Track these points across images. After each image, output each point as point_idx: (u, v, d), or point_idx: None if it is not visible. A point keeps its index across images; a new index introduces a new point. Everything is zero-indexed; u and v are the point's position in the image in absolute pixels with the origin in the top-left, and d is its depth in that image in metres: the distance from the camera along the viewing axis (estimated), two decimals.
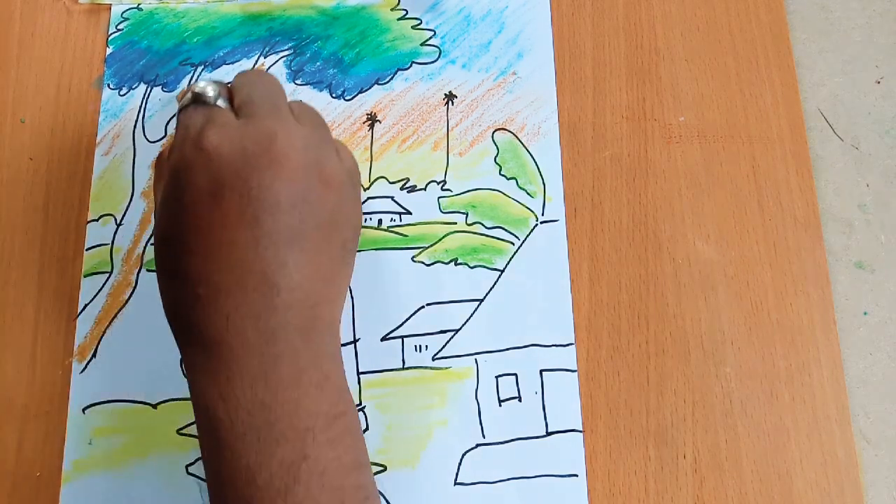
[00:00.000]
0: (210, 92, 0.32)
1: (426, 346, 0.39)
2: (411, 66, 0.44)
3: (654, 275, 0.40)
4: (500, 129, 0.43)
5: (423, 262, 0.40)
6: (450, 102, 0.43)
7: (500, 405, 0.38)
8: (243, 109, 0.32)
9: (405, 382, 0.38)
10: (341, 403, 0.30)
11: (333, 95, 0.43)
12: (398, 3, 0.45)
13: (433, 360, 0.39)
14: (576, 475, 0.37)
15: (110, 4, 0.45)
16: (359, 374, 0.38)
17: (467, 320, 0.39)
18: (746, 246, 0.41)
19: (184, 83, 0.43)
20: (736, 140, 0.43)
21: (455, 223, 0.41)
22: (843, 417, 0.38)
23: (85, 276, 0.40)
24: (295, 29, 0.45)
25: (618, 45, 0.44)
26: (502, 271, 0.40)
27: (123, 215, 0.41)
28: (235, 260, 0.29)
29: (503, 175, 0.42)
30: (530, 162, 0.42)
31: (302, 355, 0.29)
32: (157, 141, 0.42)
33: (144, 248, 0.40)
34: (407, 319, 0.39)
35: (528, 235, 0.41)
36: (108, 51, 0.44)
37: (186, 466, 0.37)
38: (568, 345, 0.39)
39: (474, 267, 0.40)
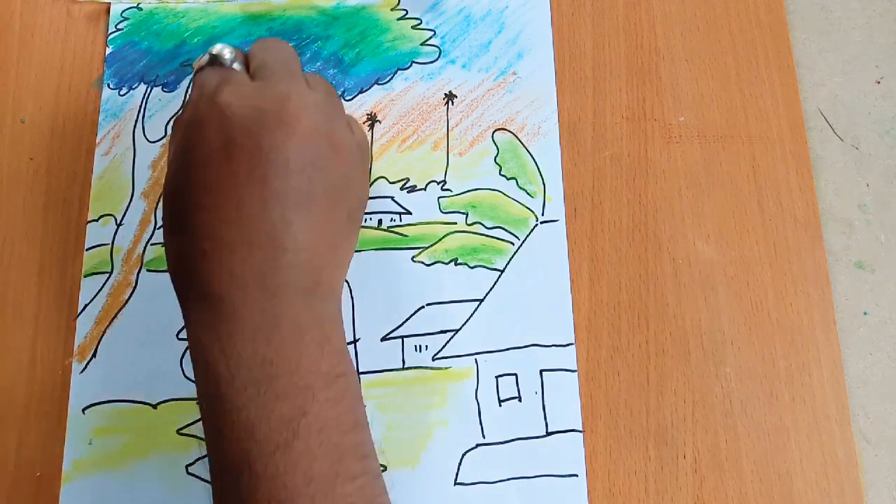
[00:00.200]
0: (227, 54, 0.32)
1: (426, 346, 0.39)
2: (411, 65, 0.44)
3: (654, 275, 0.40)
4: (500, 129, 0.43)
5: (423, 262, 0.40)
6: (450, 102, 0.43)
7: (500, 405, 0.38)
8: (258, 73, 0.32)
9: (405, 382, 0.38)
10: (341, 365, 0.30)
11: None
12: (398, 3, 0.45)
13: (433, 360, 0.39)
14: (576, 475, 0.37)
15: (110, 4, 0.45)
16: (359, 373, 0.38)
17: (467, 320, 0.39)
18: (746, 246, 0.41)
19: (184, 84, 0.43)
20: (736, 140, 0.43)
21: (455, 223, 0.41)
22: (843, 417, 0.38)
23: (85, 276, 0.40)
24: (295, 29, 0.45)
25: (618, 45, 0.44)
26: (502, 271, 0.40)
27: (123, 215, 0.41)
28: (243, 217, 0.29)
29: (503, 175, 0.42)
30: (530, 162, 0.42)
31: (304, 315, 0.30)
32: (157, 141, 0.42)
33: (144, 248, 0.40)
34: (407, 319, 0.39)
35: (528, 235, 0.41)
36: (108, 51, 0.44)
37: (186, 466, 0.37)
38: (568, 345, 0.39)
39: (474, 267, 0.40)
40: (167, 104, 0.43)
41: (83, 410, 0.38)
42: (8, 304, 0.40)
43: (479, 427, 0.38)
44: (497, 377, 0.39)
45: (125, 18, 0.45)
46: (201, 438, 0.37)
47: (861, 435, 0.39)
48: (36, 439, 0.38)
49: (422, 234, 0.41)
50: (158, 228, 0.41)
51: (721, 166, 0.42)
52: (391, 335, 0.39)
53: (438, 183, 0.42)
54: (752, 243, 0.41)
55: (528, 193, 0.42)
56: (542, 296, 0.40)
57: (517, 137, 0.43)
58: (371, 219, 0.41)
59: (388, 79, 0.44)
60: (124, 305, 0.39)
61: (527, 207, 0.41)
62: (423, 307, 0.39)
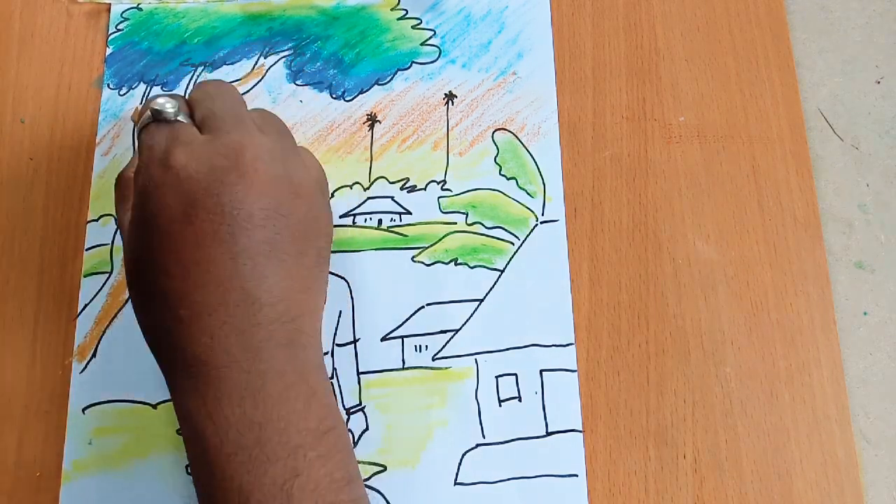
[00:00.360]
0: (169, 108, 0.31)
1: (426, 346, 0.39)
2: (411, 66, 0.44)
3: (654, 275, 0.40)
4: (500, 129, 0.43)
5: (423, 262, 0.40)
6: (450, 102, 0.43)
7: (500, 405, 0.38)
8: (206, 123, 0.32)
9: (405, 382, 0.38)
10: (329, 418, 0.30)
11: (333, 96, 0.43)
12: (398, 3, 0.45)
13: (433, 360, 0.39)
14: (576, 475, 0.37)
15: (110, 4, 0.45)
16: (359, 374, 0.38)
17: (467, 320, 0.39)
18: (746, 246, 0.41)
19: (183, 83, 0.43)
20: (736, 140, 0.43)
21: (455, 223, 0.41)
22: (843, 417, 0.38)
23: (85, 276, 0.40)
24: (295, 29, 0.45)
25: (618, 45, 0.44)
26: (502, 271, 0.40)
27: None
28: (215, 277, 0.29)
29: (503, 175, 0.42)
30: (530, 162, 0.42)
31: (288, 370, 0.29)
32: None
33: None
34: (407, 319, 0.39)
35: (528, 235, 0.41)
36: (108, 51, 0.44)
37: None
38: (568, 345, 0.39)
39: (474, 267, 0.40)
40: None
41: (83, 410, 0.38)
42: (8, 304, 0.40)
43: (479, 427, 0.38)
44: (497, 377, 0.39)
45: (125, 19, 0.45)
46: None
47: (861, 435, 0.39)
48: (36, 439, 0.38)
49: (422, 234, 0.41)
50: None
51: (721, 166, 0.42)
52: (391, 335, 0.39)
53: (438, 183, 0.42)
54: (752, 243, 0.41)
55: (528, 193, 0.42)
56: (542, 296, 0.40)
57: (517, 137, 0.43)
58: (371, 219, 0.41)
59: (388, 79, 0.44)
60: (124, 305, 0.39)
61: (527, 207, 0.41)
62: (423, 307, 0.39)
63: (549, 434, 0.38)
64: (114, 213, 0.41)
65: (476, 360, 0.39)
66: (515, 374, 0.39)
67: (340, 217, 0.41)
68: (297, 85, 0.43)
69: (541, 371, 0.39)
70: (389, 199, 0.41)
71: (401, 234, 0.41)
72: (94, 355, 0.39)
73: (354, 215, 0.41)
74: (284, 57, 0.44)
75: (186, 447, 0.30)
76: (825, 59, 0.45)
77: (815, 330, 0.40)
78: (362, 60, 0.44)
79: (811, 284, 0.40)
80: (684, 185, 0.42)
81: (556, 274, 0.40)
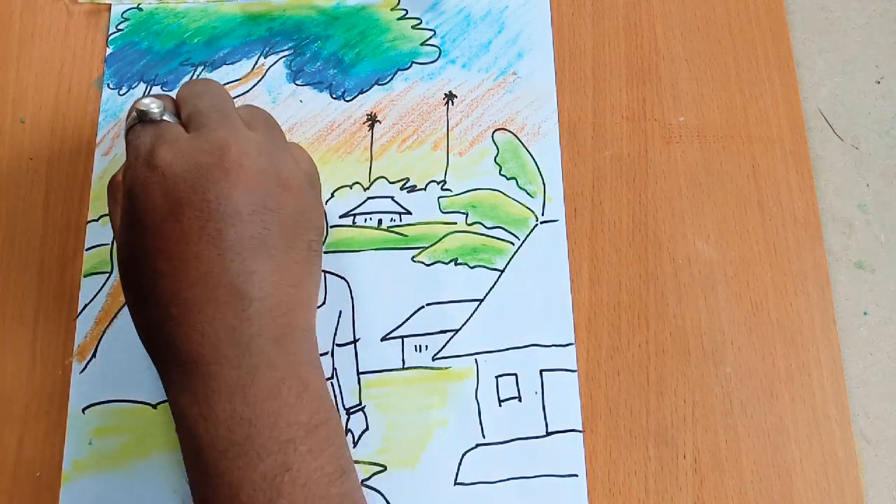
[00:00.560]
0: (155, 108, 0.31)
1: (426, 346, 0.39)
2: (411, 66, 0.44)
3: (654, 275, 0.40)
4: (500, 129, 0.43)
5: (423, 262, 0.40)
6: (450, 102, 0.43)
7: (500, 405, 0.38)
8: (192, 121, 0.32)
9: (405, 382, 0.38)
10: (322, 411, 0.30)
11: (333, 96, 0.43)
12: (398, 3, 0.45)
13: (433, 360, 0.39)
14: (576, 475, 0.37)
15: (110, 4, 0.45)
16: (359, 374, 0.38)
17: (467, 320, 0.39)
18: (746, 246, 0.41)
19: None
20: (736, 140, 0.43)
21: (455, 223, 0.41)
22: (843, 417, 0.38)
23: (85, 276, 0.40)
24: (295, 29, 0.45)
25: (618, 45, 0.44)
26: (502, 271, 0.40)
27: None
28: (203, 274, 0.29)
29: (503, 175, 0.42)
30: (530, 162, 0.42)
31: (279, 364, 0.29)
32: None
33: None
34: (407, 319, 0.39)
35: (528, 235, 0.41)
36: (109, 51, 0.44)
37: None
38: (568, 345, 0.39)
39: (474, 267, 0.40)
40: None
41: (83, 410, 0.38)
42: (8, 304, 0.40)
43: (479, 427, 0.38)
44: (497, 377, 0.39)
45: (126, 19, 0.45)
46: None
47: (861, 435, 0.39)
48: (36, 439, 0.38)
49: (422, 234, 0.41)
50: None
51: (721, 166, 0.42)
52: (391, 335, 0.39)
53: (438, 183, 0.42)
54: (752, 243, 0.41)
55: (528, 193, 0.42)
56: (542, 296, 0.40)
57: (517, 137, 0.43)
58: (371, 219, 0.41)
59: (388, 79, 0.44)
60: (124, 305, 0.39)
61: (527, 207, 0.41)
62: (423, 307, 0.39)
63: (549, 434, 0.38)
64: None
65: (476, 360, 0.39)
66: (515, 374, 0.39)
67: (340, 217, 0.41)
68: (297, 85, 0.43)
69: (541, 371, 0.39)
70: (389, 199, 0.41)
71: (401, 234, 0.41)
72: (94, 355, 0.39)
73: (354, 215, 0.41)
74: (284, 57, 0.44)
75: (180, 443, 0.30)
76: (825, 59, 0.45)
77: (815, 330, 0.40)
78: (362, 60, 0.44)
79: (811, 284, 0.40)
80: (684, 185, 0.42)
81: (556, 274, 0.40)
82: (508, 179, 0.42)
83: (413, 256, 0.40)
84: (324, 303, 0.39)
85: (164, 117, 0.32)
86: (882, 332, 0.41)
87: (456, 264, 0.40)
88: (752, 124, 0.43)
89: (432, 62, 0.44)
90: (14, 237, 0.41)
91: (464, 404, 0.38)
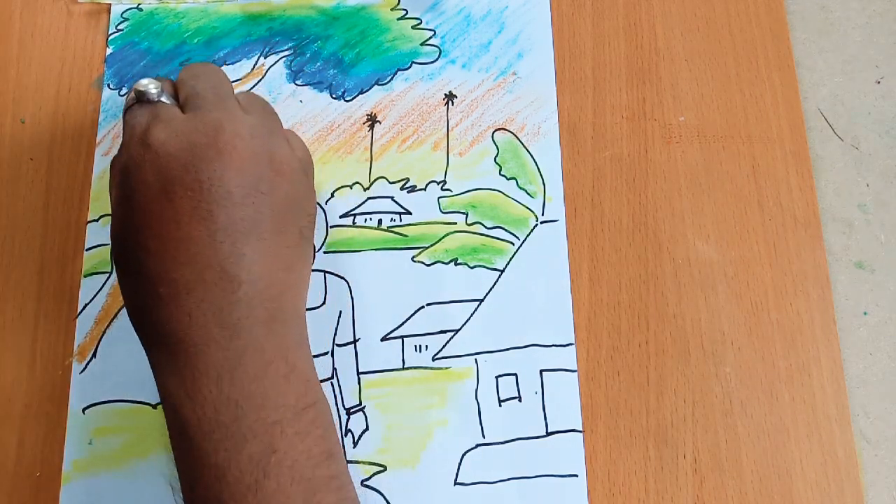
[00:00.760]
0: (153, 89, 0.32)
1: (426, 346, 0.39)
2: (411, 66, 0.44)
3: (654, 275, 0.40)
4: (500, 129, 0.43)
5: (423, 262, 0.40)
6: (450, 102, 0.43)
7: (500, 405, 0.38)
8: (189, 103, 0.32)
9: (405, 382, 0.38)
10: (309, 394, 0.30)
11: (333, 96, 0.43)
12: (398, 3, 0.45)
13: (433, 360, 0.39)
14: (576, 475, 0.37)
15: (110, 4, 0.45)
16: (359, 374, 0.38)
17: (467, 320, 0.39)
18: (746, 246, 0.41)
19: None
20: (736, 140, 0.43)
21: (455, 223, 0.41)
22: (843, 417, 0.38)
23: (85, 276, 0.40)
24: (295, 29, 0.45)
25: (618, 45, 0.44)
26: (502, 271, 0.40)
27: None
28: (193, 255, 0.29)
29: (503, 175, 0.42)
30: (530, 162, 0.42)
31: (267, 347, 0.29)
32: None
33: None
34: (407, 319, 0.39)
35: (528, 235, 0.41)
36: (109, 51, 0.44)
37: None
38: (568, 345, 0.39)
39: (474, 267, 0.40)
40: None
41: (83, 410, 0.38)
42: (8, 304, 0.40)
43: (479, 427, 0.38)
44: (497, 377, 0.39)
45: (125, 19, 0.45)
46: None
47: (861, 435, 0.39)
48: (36, 439, 0.38)
49: (422, 234, 0.41)
50: None
51: (721, 166, 0.42)
52: (391, 335, 0.39)
53: (438, 183, 0.42)
54: (752, 243, 0.41)
55: (528, 193, 0.42)
56: (542, 296, 0.40)
57: (517, 137, 0.43)
58: (371, 219, 0.41)
59: (388, 79, 0.44)
60: (124, 305, 0.39)
61: (527, 207, 0.41)
62: (423, 307, 0.39)
63: (549, 434, 0.38)
64: None
65: (476, 360, 0.39)
66: (515, 374, 0.39)
67: (340, 217, 0.41)
68: (297, 85, 0.43)
69: (541, 371, 0.39)
70: (389, 199, 0.41)
71: (401, 234, 0.41)
72: (94, 355, 0.39)
73: (354, 215, 0.41)
74: (284, 57, 0.44)
75: (168, 425, 0.30)
76: (825, 59, 0.45)
77: (815, 330, 0.40)
78: (362, 60, 0.44)
79: (811, 284, 0.40)
80: (684, 185, 0.42)
81: (556, 274, 0.40)
82: (508, 179, 0.42)
83: (413, 256, 0.40)
84: (324, 303, 0.39)
85: (162, 98, 0.32)
86: (882, 332, 0.41)
87: (456, 264, 0.40)
88: (752, 124, 0.43)
89: (432, 62, 0.44)
90: (14, 237, 0.41)
91: (464, 404, 0.38)
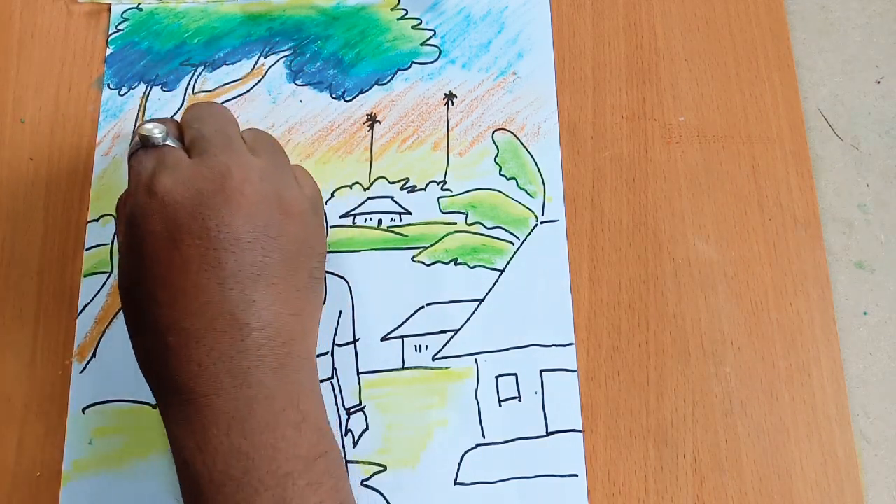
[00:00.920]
0: (157, 133, 0.31)
1: (426, 346, 0.39)
2: (411, 66, 0.44)
3: (654, 275, 0.40)
4: (500, 129, 0.43)
5: (423, 262, 0.40)
6: (450, 102, 0.43)
7: (500, 405, 0.38)
8: (195, 146, 0.31)
9: (405, 382, 0.38)
10: (321, 443, 0.30)
11: (333, 96, 0.43)
12: (398, 3, 0.45)
13: (433, 360, 0.39)
14: (576, 475, 0.37)
15: (110, 4, 0.45)
16: (359, 374, 0.38)
17: (467, 320, 0.39)
18: (746, 246, 0.41)
19: (183, 83, 0.43)
20: (736, 140, 0.43)
21: (455, 223, 0.41)
22: (843, 417, 0.38)
23: (85, 276, 0.40)
24: (295, 29, 0.45)
25: (618, 45, 0.44)
26: (502, 271, 0.40)
27: None
28: (202, 304, 0.28)
29: (503, 175, 0.42)
30: (530, 162, 0.42)
31: (277, 395, 0.29)
32: None
33: None
34: (407, 319, 0.39)
35: (528, 235, 0.41)
36: (109, 51, 0.44)
37: None
38: (568, 345, 0.39)
39: (474, 267, 0.40)
40: (167, 104, 0.43)
41: (83, 410, 0.38)
42: (8, 304, 0.40)
43: (479, 427, 0.38)
44: (497, 377, 0.39)
45: (125, 19, 0.45)
46: None
47: (861, 435, 0.39)
48: (36, 439, 0.38)
49: (422, 234, 0.41)
50: None
51: (721, 166, 0.42)
52: (391, 335, 0.39)
53: (438, 183, 0.42)
54: (752, 243, 0.41)
55: (528, 193, 0.42)
56: (542, 296, 0.40)
57: (517, 137, 0.43)
58: (371, 219, 0.41)
59: (388, 79, 0.44)
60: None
61: (527, 207, 0.41)
62: (423, 307, 0.39)
63: (549, 434, 0.38)
64: (114, 212, 0.41)
65: (476, 360, 0.39)
66: (515, 374, 0.39)
67: (340, 217, 0.41)
68: (297, 85, 0.43)
69: (541, 371, 0.39)
70: (389, 199, 0.41)
71: (401, 234, 0.41)
72: (94, 355, 0.39)
73: (354, 215, 0.41)
74: (284, 57, 0.44)
75: (178, 476, 0.29)
76: (825, 59, 0.45)
77: (815, 330, 0.40)
78: (362, 60, 0.44)
79: (811, 284, 0.40)
80: (684, 185, 0.42)
81: (556, 274, 0.40)
82: (508, 179, 0.42)
83: (413, 256, 0.40)
84: (324, 303, 0.39)
85: (167, 142, 0.31)
86: (882, 332, 0.41)
87: (456, 264, 0.40)
88: (752, 124, 0.43)
89: (432, 62, 0.44)
90: (14, 237, 0.41)
91: (464, 404, 0.38)
